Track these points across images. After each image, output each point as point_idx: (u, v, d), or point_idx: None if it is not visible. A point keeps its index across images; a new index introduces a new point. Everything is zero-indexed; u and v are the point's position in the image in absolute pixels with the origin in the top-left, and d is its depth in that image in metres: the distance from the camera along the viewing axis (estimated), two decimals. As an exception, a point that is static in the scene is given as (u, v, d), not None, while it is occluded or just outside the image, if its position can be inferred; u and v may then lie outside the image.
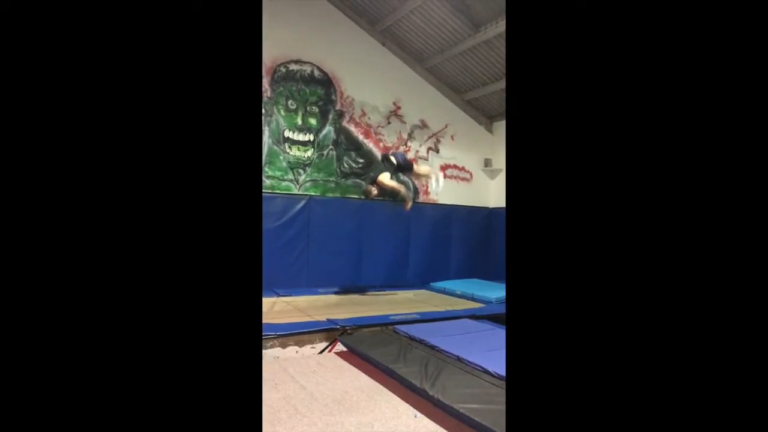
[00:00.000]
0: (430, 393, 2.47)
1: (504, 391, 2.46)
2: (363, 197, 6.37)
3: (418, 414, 2.43)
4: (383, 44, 6.63)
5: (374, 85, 6.53)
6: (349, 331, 3.66)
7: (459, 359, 3.04)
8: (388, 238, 6.64)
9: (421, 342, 3.45)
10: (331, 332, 3.62)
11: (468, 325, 4.09)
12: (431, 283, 6.30)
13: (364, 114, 6.47)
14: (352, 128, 6.37)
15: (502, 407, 2.29)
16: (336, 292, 5.41)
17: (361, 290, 5.68)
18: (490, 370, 2.79)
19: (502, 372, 2.72)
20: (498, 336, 3.66)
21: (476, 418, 2.17)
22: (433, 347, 3.32)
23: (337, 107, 6.19)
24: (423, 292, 5.91)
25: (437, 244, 7.05)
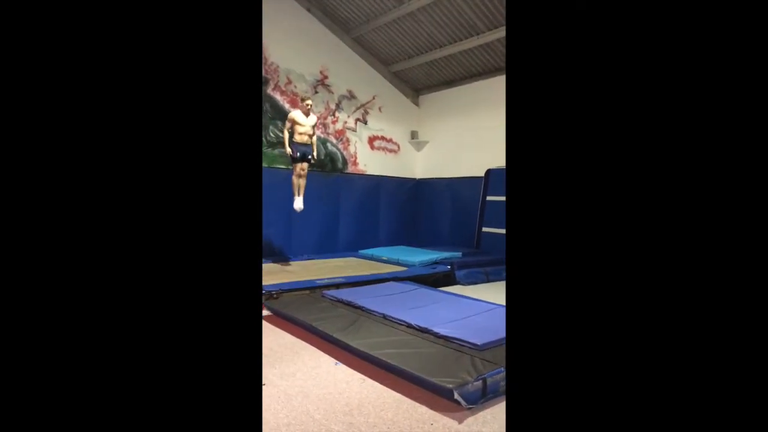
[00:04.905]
0: (350, 344, 2.64)
1: (420, 340, 2.69)
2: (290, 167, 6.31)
3: (339, 363, 2.61)
4: (308, 10, 6.49)
5: (300, 53, 6.40)
6: (275, 296, 3.73)
7: (384, 316, 3.19)
8: (318, 208, 6.68)
9: (347, 304, 3.59)
10: (257, 298, 3.65)
11: (393, 286, 4.29)
12: (360, 251, 6.49)
13: (290, 82, 6.36)
14: (277, 96, 6.24)
15: (416, 350, 2.51)
16: (265, 262, 5.41)
17: (290, 259, 5.73)
18: (413, 323, 2.96)
19: (423, 324, 2.91)
20: (421, 295, 3.92)
21: (390, 361, 2.36)
22: (358, 307, 3.46)
23: (262, 74, 6.02)
24: (352, 259, 6.08)
25: (366, 213, 7.23)
